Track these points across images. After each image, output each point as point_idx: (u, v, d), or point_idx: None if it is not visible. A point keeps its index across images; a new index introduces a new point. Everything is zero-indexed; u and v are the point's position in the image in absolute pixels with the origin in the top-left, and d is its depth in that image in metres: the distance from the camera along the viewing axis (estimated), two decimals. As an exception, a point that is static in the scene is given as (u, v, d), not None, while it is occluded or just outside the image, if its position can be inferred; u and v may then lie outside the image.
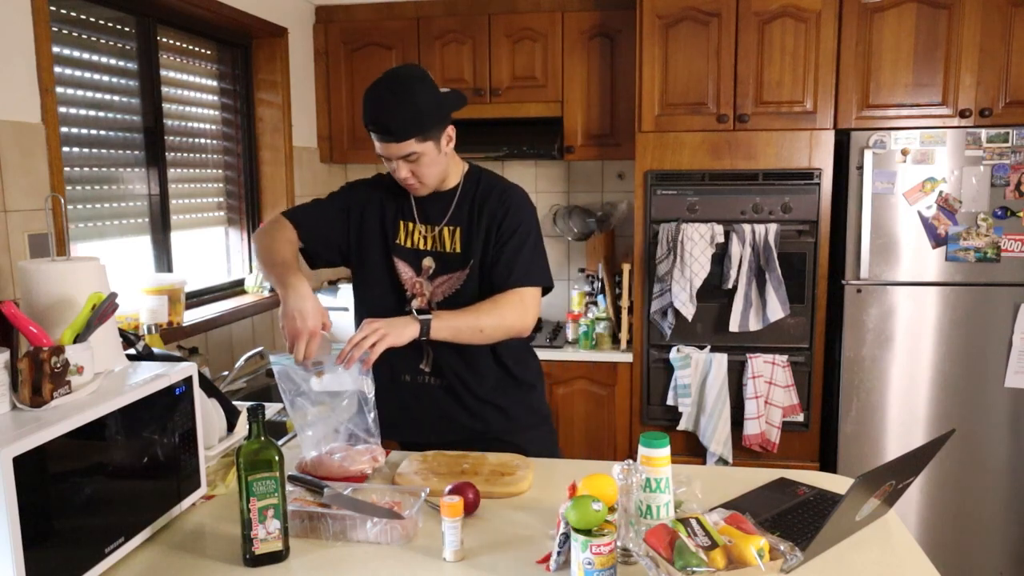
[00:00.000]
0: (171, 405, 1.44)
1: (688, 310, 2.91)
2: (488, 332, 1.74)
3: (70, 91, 2.28)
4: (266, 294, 3.18)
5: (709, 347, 2.98)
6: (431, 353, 1.86)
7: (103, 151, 2.44)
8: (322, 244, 1.91)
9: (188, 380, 1.50)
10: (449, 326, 1.70)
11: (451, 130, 1.78)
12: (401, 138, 1.69)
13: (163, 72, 2.69)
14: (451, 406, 1.88)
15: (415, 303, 1.85)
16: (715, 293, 2.94)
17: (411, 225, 1.87)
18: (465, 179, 1.87)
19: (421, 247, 1.86)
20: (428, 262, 1.85)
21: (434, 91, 1.73)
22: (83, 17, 2.35)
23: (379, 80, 1.73)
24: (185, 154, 2.86)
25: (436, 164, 1.77)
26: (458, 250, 1.83)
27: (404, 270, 1.86)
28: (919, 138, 2.75)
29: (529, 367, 1.98)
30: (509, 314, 1.76)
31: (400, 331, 1.64)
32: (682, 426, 3.00)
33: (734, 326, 2.91)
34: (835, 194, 2.90)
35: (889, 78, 2.82)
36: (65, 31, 2.26)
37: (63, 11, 2.26)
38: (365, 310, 1.90)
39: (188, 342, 2.56)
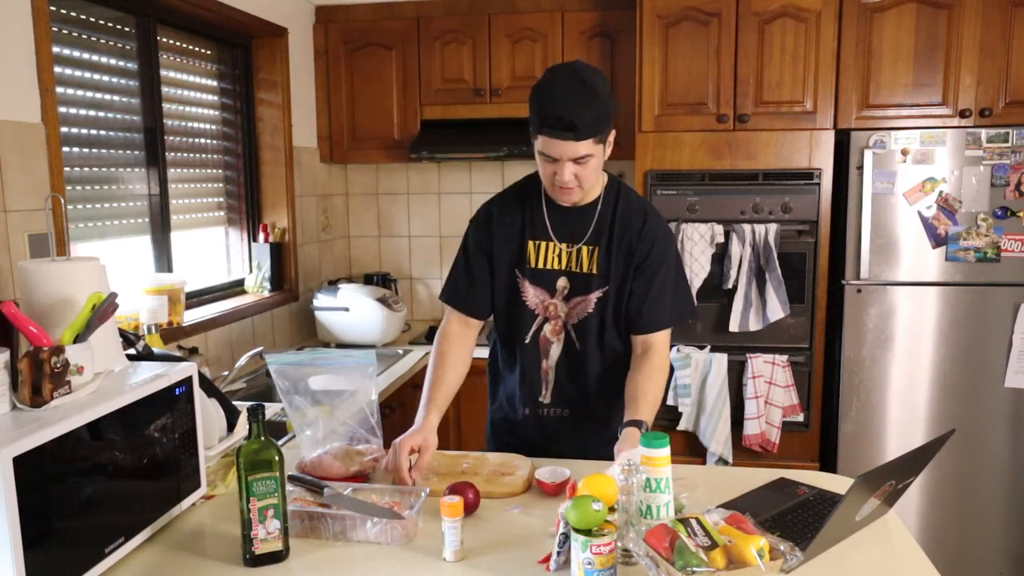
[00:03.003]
0: (171, 405, 1.44)
1: (688, 310, 2.91)
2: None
3: (70, 91, 2.27)
4: (266, 294, 3.18)
5: (709, 347, 2.97)
6: (551, 382, 1.81)
7: (103, 151, 2.44)
8: (488, 301, 1.85)
9: (188, 380, 1.50)
10: (653, 415, 1.67)
11: (613, 136, 1.66)
12: (582, 136, 1.56)
13: (163, 72, 2.69)
14: (575, 435, 1.81)
15: (548, 327, 1.79)
16: (715, 293, 2.94)
17: (544, 244, 1.77)
18: (605, 192, 1.77)
19: (555, 267, 1.77)
20: (563, 282, 1.77)
21: (609, 91, 1.63)
22: (83, 17, 2.35)
23: (558, 73, 1.61)
24: (185, 154, 2.86)
25: (598, 170, 1.67)
26: (595, 271, 1.75)
27: (535, 292, 1.78)
28: (919, 138, 2.75)
29: None
30: (666, 367, 1.76)
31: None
32: (682, 426, 3.00)
33: (734, 326, 2.91)
34: (835, 194, 2.90)
35: (889, 78, 2.82)
36: (65, 31, 2.26)
37: (63, 11, 2.26)
38: (498, 333, 1.89)
39: (188, 342, 2.56)
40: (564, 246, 1.77)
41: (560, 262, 1.77)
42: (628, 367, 1.77)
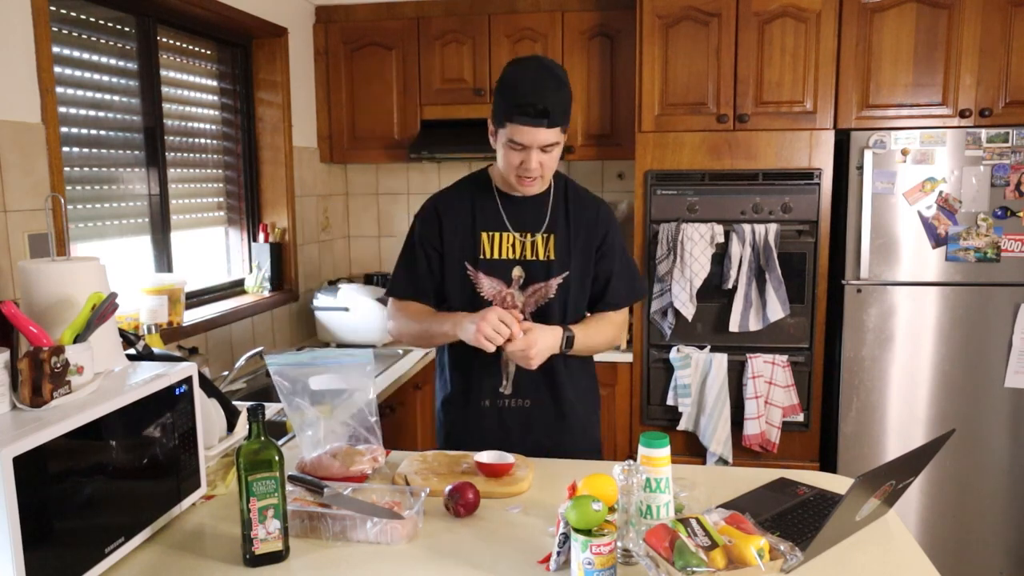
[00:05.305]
0: (171, 405, 1.44)
1: (688, 310, 2.91)
2: (601, 351, 1.83)
3: (70, 91, 2.27)
4: (266, 294, 3.18)
5: (709, 347, 2.97)
6: (511, 373, 1.81)
7: (103, 151, 2.44)
8: (431, 295, 1.86)
9: (188, 380, 1.50)
10: (583, 346, 1.73)
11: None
12: (554, 123, 1.64)
13: (163, 72, 2.69)
14: (535, 428, 1.83)
15: None
16: (715, 293, 2.94)
17: (498, 235, 1.80)
18: (555, 183, 1.84)
19: (509, 256, 1.80)
20: (518, 272, 1.79)
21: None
22: (83, 17, 2.35)
23: (526, 64, 1.69)
24: (185, 154, 2.86)
25: (558, 160, 1.75)
26: (552, 257, 1.79)
27: (490, 283, 1.80)
28: (919, 138, 2.75)
29: (597, 382, 1.98)
30: (619, 334, 1.83)
31: (546, 350, 1.67)
32: (682, 426, 3.00)
33: (734, 326, 2.91)
34: (835, 194, 2.90)
35: (889, 78, 2.82)
36: (65, 31, 2.26)
37: (63, 11, 2.26)
38: None
39: (188, 342, 2.55)
40: (518, 235, 1.80)
41: (515, 251, 1.80)
42: (589, 356, 1.87)
